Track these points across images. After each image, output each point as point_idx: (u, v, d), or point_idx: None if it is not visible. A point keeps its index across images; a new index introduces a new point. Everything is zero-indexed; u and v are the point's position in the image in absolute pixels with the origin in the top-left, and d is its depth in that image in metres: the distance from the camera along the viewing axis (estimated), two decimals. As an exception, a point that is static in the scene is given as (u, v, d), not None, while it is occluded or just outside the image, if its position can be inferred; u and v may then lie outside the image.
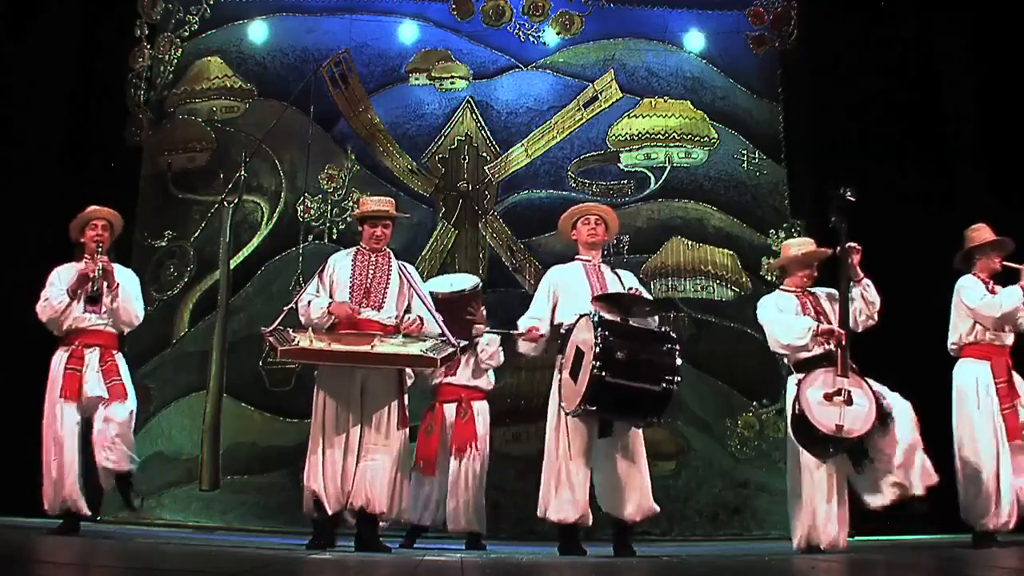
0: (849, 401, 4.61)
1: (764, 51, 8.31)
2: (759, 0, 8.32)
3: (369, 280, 4.83)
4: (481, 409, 5.92)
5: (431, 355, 4.56)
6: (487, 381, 6.01)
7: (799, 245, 5.22)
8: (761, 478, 7.38)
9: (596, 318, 4.48)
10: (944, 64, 7.82)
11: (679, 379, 4.40)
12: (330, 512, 4.55)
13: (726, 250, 7.93)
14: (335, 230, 7.90)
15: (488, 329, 5.61)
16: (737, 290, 7.84)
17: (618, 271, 5.00)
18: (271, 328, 4.58)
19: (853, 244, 4.89)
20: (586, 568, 3.90)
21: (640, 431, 4.69)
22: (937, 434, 5.15)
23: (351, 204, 7.91)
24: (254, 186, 8.02)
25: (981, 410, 5.06)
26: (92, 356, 5.01)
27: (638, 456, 4.68)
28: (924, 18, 7.86)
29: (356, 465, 4.58)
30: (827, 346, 4.81)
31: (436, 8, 8.32)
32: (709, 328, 7.71)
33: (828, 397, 4.63)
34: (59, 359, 5.01)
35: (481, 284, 6.01)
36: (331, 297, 4.78)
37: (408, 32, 8.25)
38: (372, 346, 4.54)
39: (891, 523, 4.96)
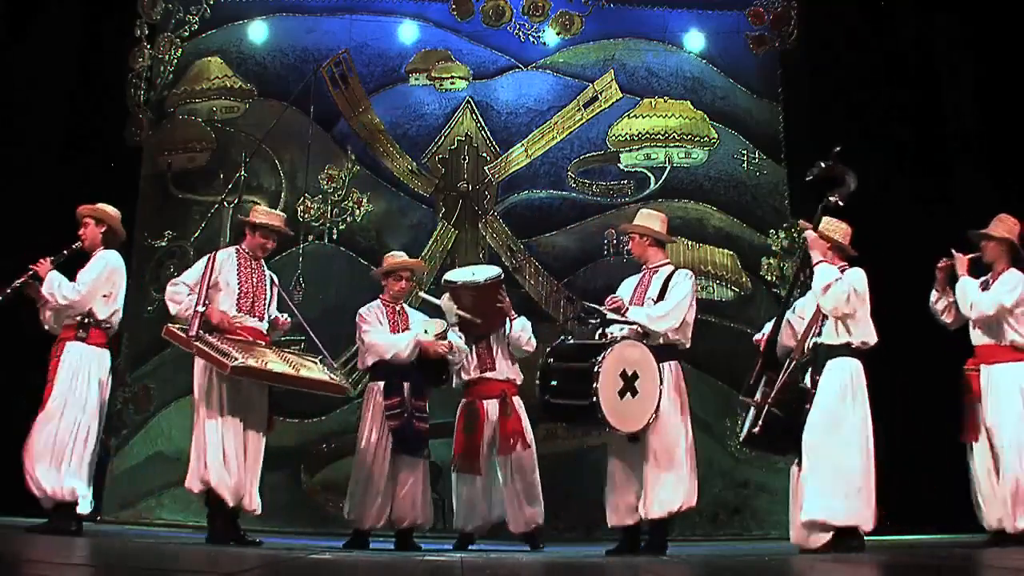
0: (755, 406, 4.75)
1: (764, 51, 8.30)
2: (759, 0, 8.31)
3: (254, 289, 5.01)
4: (519, 404, 5.67)
5: (345, 384, 5.01)
6: (518, 374, 5.75)
7: (828, 224, 4.96)
8: (761, 478, 7.37)
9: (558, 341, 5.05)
10: (944, 64, 7.82)
11: (595, 399, 4.56)
12: (231, 505, 4.73)
13: (726, 250, 7.92)
14: (335, 230, 7.89)
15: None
16: (737, 290, 7.83)
17: (677, 273, 5.06)
18: (193, 334, 4.57)
19: (807, 230, 4.86)
20: (585, 568, 3.90)
21: (676, 435, 4.87)
22: (937, 435, 5.16)
23: (351, 204, 7.92)
24: (254, 186, 7.99)
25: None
26: (58, 349, 5.06)
27: (659, 459, 4.83)
28: (924, 18, 7.86)
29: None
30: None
31: (436, 8, 8.31)
32: (709, 328, 7.66)
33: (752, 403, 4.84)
34: None
35: (503, 274, 5.81)
36: (208, 297, 4.75)
37: (408, 32, 8.25)
38: (297, 370, 4.79)
39: (890, 523, 4.95)
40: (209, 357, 4.58)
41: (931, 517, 5.69)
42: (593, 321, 4.96)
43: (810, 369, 4.81)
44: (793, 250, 7.85)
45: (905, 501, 4.89)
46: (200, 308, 4.63)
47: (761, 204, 8.07)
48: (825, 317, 4.78)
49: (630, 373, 4.68)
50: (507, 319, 5.68)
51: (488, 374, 5.66)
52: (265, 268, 5.16)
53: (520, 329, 5.71)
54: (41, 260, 5.07)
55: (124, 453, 7.47)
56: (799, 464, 4.71)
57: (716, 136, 8.16)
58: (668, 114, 8.20)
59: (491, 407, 5.62)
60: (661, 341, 4.92)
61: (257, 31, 8.22)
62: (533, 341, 5.75)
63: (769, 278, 7.79)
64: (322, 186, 7.97)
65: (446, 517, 5.96)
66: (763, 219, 8.02)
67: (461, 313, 5.51)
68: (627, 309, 4.94)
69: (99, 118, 7.82)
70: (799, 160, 7.96)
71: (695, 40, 8.31)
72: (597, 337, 4.95)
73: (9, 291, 4.98)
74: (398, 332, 5.56)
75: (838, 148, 4.68)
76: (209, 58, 8.23)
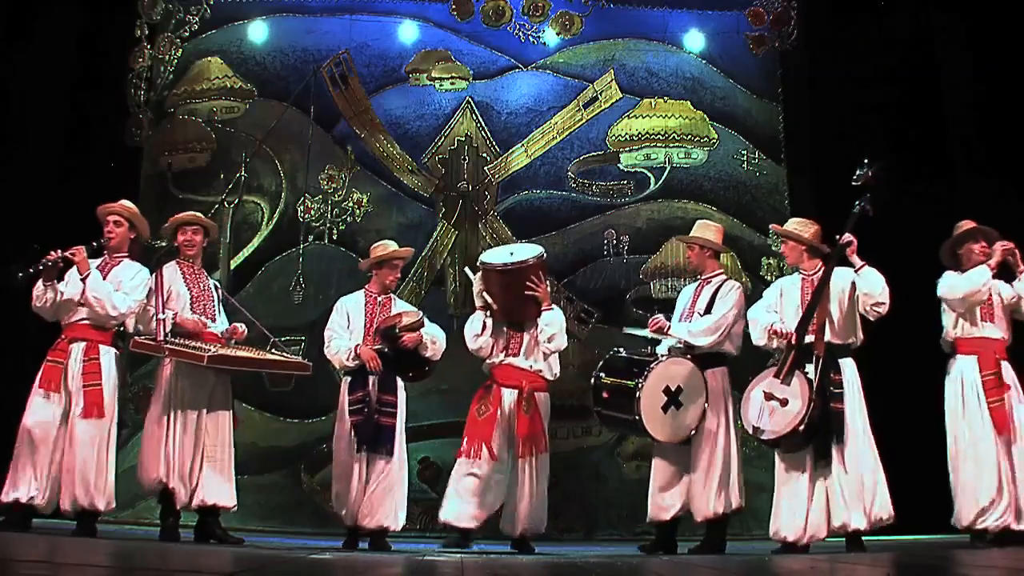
0: (784, 403, 4.67)
1: (764, 51, 8.30)
2: (759, 0, 8.31)
3: (202, 293, 5.19)
4: (543, 401, 5.36)
5: (306, 361, 5.25)
6: (550, 370, 5.41)
7: (799, 225, 5.21)
8: (761, 478, 7.31)
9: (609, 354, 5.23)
10: (944, 64, 7.82)
11: (638, 416, 4.83)
12: (179, 506, 4.92)
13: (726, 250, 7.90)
14: (335, 230, 7.90)
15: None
16: (737, 290, 7.81)
17: (724, 286, 5.30)
18: (162, 339, 4.80)
19: (849, 237, 4.90)
20: (586, 568, 3.91)
21: (722, 439, 5.11)
22: (937, 435, 5.16)
23: (351, 204, 7.93)
24: (254, 186, 8.02)
25: (966, 407, 5.02)
26: (77, 350, 4.99)
27: (705, 463, 5.08)
28: (924, 18, 7.85)
29: (200, 465, 4.96)
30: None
31: (436, 8, 8.31)
32: (709, 328, 7.67)
33: (767, 396, 4.83)
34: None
35: (545, 254, 5.49)
36: (165, 307, 4.98)
37: (408, 32, 8.25)
38: (260, 354, 5.04)
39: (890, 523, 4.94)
40: (184, 355, 4.81)
41: (931, 517, 5.68)
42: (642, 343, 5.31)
43: (818, 367, 4.79)
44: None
45: (905, 501, 4.87)
46: (161, 316, 4.85)
47: (761, 204, 8.08)
48: (830, 316, 4.82)
49: (674, 388, 4.95)
50: (539, 308, 5.29)
51: (512, 360, 5.34)
52: (206, 273, 5.35)
53: (544, 324, 5.28)
54: (76, 248, 4.99)
55: (124, 453, 7.40)
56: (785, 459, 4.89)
57: (716, 136, 8.16)
58: (668, 114, 8.19)
59: (508, 396, 5.31)
60: (708, 350, 5.15)
61: (257, 31, 8.21)
62: (559, 340, 5.31)
63: (769, 278, 7.77)
64: (322, 186, 7.98)
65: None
66: (763, 219, 8.01)
67: (486, 296, 5.34)
68: (668, 327, 5.19)
69: (99, 118, 7.82)
70: (799, 160, 7.98)
71: (695, 40, 8.31)
72: (648, 350, 5.20)
73: (41, 267, 4.88)
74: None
75: (881, 162, 4.96)
76: (209, 58, 8.23)
